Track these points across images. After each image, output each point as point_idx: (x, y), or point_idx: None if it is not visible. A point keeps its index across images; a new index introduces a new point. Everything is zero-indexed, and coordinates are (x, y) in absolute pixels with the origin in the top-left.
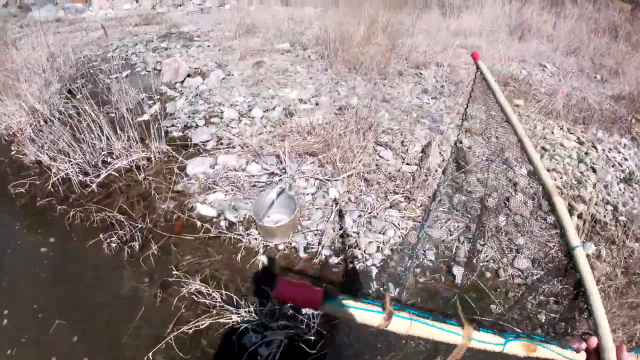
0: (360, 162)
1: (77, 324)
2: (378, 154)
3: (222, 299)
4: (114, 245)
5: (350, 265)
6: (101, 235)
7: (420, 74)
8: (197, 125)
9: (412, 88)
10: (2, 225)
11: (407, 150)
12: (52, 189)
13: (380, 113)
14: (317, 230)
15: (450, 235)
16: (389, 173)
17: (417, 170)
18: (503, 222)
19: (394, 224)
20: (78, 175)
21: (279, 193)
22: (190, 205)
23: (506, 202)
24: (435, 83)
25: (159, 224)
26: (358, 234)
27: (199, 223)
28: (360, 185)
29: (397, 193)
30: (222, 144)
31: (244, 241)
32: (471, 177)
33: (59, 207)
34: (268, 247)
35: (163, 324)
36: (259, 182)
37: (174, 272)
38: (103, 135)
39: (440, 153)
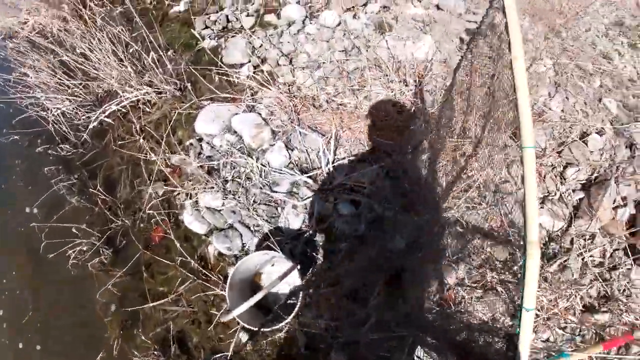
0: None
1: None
2: None
3: None
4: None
5: None
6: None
7: None
8: (236, 30)
9: None
10: None
11: None
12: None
13: None
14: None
15: None
16: None
17: None
18: None
19: None
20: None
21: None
22: (179, 202)
23: None
24: None
25: (138, 223)
26: None
27: (178, 244)
28: None
29: None
30: (258, 73)
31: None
32: None
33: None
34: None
35: None
36: (277, 187)
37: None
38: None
39: None
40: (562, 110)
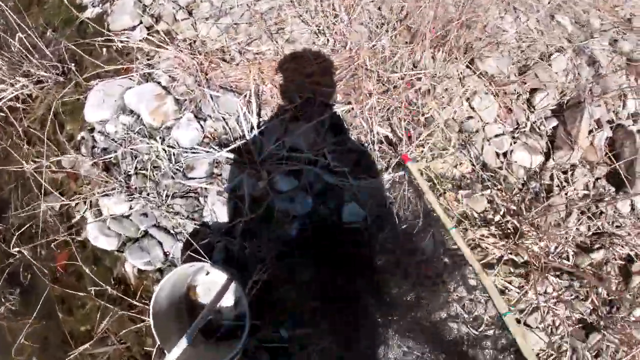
0: None
1: None
2: None
3: None
4: None
5: None
6: None
7: None
8: None
9: None
10: None
11: None
12: None
13: None
14: None
15: None
16: None
17: None
18: None
19: None
20: None
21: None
22: (80, 213)
23: None
24: None
25: (39, 251)
26: None
27: (87, 269)
28: None
29: None
30: (153, 34)
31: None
32: None
33: None
34: None
35: None
36: (193, 172)
37: None
38: None
39: None
40: (517, 32)
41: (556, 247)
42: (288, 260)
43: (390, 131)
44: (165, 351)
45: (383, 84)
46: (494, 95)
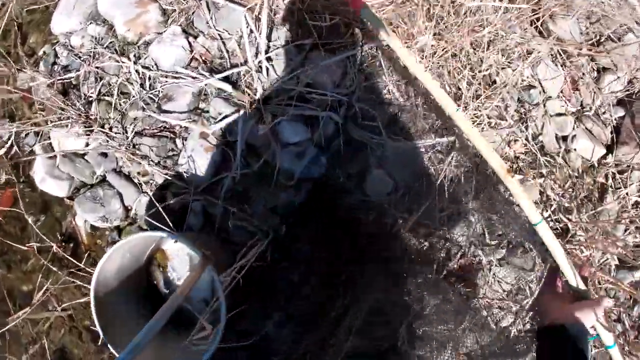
0: None
1: None
2: None
3: None
4: None
5: None
6: None
7: None
8: None
9: None
10: None
11: None
12: None
13: None
14: None
15: None
16: None
17: None
18: None
19: None
20: None
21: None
22: (29, 147)
23: None
24: None
25: None
26: None
27: (29, 219)
28: None
29: None
30: None
31: None
32: None
33: None
34: None
35: None
36: (172, 103)
37: None
38: None
39: None
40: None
41: (599, 258)
42: (286, 239)
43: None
44: (112, 349)
45: (438, 23)
46: (562, 66)
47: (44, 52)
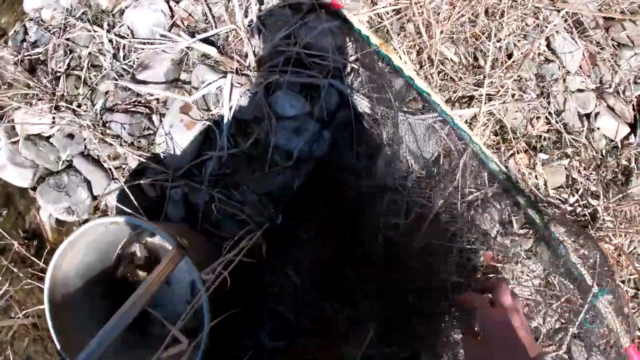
0: None
1: None
2: None
3: None
4: None
5: None
6: None
7: None
8: None
9: None
10: None
11: None
12: None
13: None
14: None
15: None
16: None
17: None
18: None
19: None
20: None
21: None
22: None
23: None
24: None
25: None
26: None
27: None
28: None
29: None
30: None
31: None
32: None
33: None
34: None
35: None
36: (147, 72)
37: None
38: None
39: None
40: None
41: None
42: (281, 230)
43: (455, 53)
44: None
45: None
46: (579, 39)
47: (15, 31)
